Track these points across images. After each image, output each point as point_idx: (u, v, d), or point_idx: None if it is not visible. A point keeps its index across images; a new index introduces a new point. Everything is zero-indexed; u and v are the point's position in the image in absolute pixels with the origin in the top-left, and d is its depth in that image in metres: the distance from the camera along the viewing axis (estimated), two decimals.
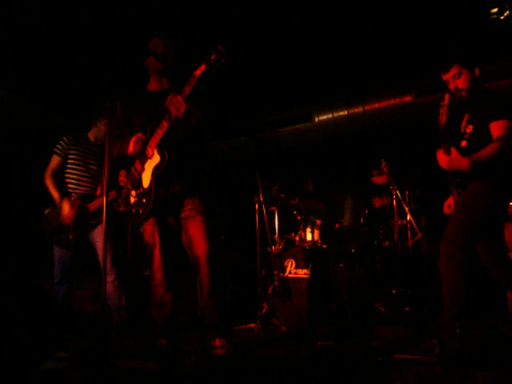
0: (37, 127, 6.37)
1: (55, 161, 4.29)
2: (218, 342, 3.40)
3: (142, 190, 3.42)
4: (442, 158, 3.31)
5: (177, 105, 3.19)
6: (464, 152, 3.29)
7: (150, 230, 3.56)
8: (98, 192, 4.23)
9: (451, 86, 3.47)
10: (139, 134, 3.43)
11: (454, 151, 3.26)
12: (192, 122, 3.33)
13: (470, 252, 3.23)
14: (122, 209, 3.55)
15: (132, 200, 3.48)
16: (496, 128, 3.23)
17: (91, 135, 4.41)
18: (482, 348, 2.81)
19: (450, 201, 3.55)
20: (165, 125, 3.29)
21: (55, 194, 4.22)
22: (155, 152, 3.36)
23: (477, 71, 3.45)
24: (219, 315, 3.47)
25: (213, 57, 3.12)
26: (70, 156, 4.28)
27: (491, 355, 2.80)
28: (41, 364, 2.95)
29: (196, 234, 3.47)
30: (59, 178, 4.30)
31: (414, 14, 5.07)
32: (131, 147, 3.44)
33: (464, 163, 3.20)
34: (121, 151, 3.55)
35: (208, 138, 3.71)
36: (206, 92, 3.35)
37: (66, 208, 4.11)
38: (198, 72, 3.19)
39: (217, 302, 3.48)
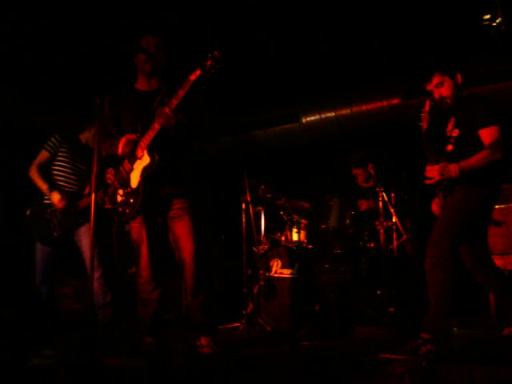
0: (20, 123, 6.32)
1: (43, 156, 4.27)
2: (203, 341, 3.40)
3: (129, 189, 3.42)
4: (431, 171, 3.34)
5: (166, 117, 3.22)
6: (450, 156, 3.33)
7: (137, 228, 3.56)
8: (87, 191, 4.22)
9: (436, 95, 3.51)
10: (129, 136, 3.42)
11: (440, 160, 3.30)
12: (181, 128, 3.35)
13: (456, 254, 3.27)
14: (108, 207, 3.54)
15: (119, 199, 3.48)
16: (486, 135, 3.27)
17: (83, 137, 4.39)
18: (476, 346, 2.86)
19: (437, 201, 3.58)
20: (156, 127, 3.30)
21: (43, 185, 4.18)
22: (145, 153, 3.36)
23: (459, 77, 3.49)
24: (204, 314, 3.48)
25: (209, 63, 3.13)
26: (60, 154, 4.26)
27: (485, 353, 2.85)
28: (27, 361, 2.94)
29: (183, 234, 3.48)
30: (44, 173, 4.27)
31: (402, 16, 5.11)
32: (120, 148, 3.44)
33: (451, 169, 3.24)
34: (109, 151, 3.55)
35: (198, 140, 3.72)
36: (198, 94, 3.36)
37: (56, 197, 4.09)
38: (193, 77, 3.20)
39: (201, 301, 3.48)
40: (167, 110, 3.22)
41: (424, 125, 3.47)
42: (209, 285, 3.62)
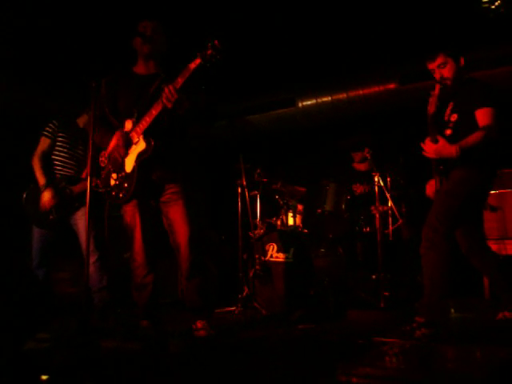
0: (17, 107, 6.27)
1: (45, 143, 4.25)
2: (199, 324, 3.42)
3: (124, 174, 3.41)
4: (429, 147, 3.33)
5: (168, 95, 3.18)
6: (449, 140, 3.32)
7: (130, 212, 3.55)
8: (84, 175, 4.21)
9: (436, 75, 3.49)
10: (121, 135, 3.41)
11: (440, 139, 3.28)
12: (180, 112, 3.32)
13: (451, 238, 3.28)
14: (101, 190, 3.53)
15: (112, 182, 3.47)
16: (481, 116, 3.27)
17: (80, 122, 4.37)
18: (472, 328, 2.87)
19: (433, 182, 3.59)
20: (153, 112, 3.29)
21: (41, 179, 4.17)
22: (141, 138, 3.34)
23: (462, 60, 3.48)
24: (199, 298, 3.49)
25: (209, 52, 3.14)
26: (58, 139, 4.25)
27: (480, 335, 2.87)
28: (23, 344, 2.95)
29: (177, 218, 3.47)
30: (47, 160, 4.25)
31: (398, 0, 5.08)
32: (112, 144, 3.44)
33: (452, 150, 3.22)
34: (101, 144, 3.52)
35: (196, 127, 3.72)
36: (195, 80, 3.34)
37: (47, 196, 4.09)
38: (193, 65, 3.20)
39: (197, 284, 3.49)
40: (171, 87, 3.18)
41: (431, 109, 3.45)
42: (204, 268, 3.63)
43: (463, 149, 3.20)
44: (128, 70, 3.64)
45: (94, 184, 3.52)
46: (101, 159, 3.56)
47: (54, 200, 4.09)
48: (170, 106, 3.21)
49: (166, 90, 3.18)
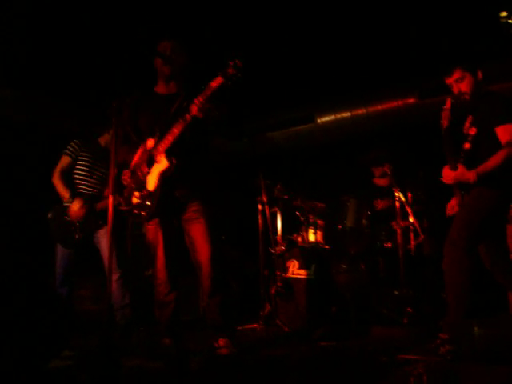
0: (40, 126, 6.38)
1: (65, 161, 4.31)
2: (221, 342, 3.42)
3: (146, 192, 3.44)
4: (448, 174, 3.33)
5: (199, 105, 3.23)
6: (467, 155, 3.31)
7: (153, 230, 3.58)
8: (106, 193, 4.25)
9: (455, 90, 3.47)
10: (147, 145, 3.45)
11: (460, 167, 3.27)
12: (209, 121, 3.36)
13: (473, 254, 3.24)
14: (123, 208, 3.56)
15: (135, 201, 3.50)
16: (502, 133, 3.23)
17: (102, 140, 4.44)
18: (498, 346, 2.83)
19: (453, 202, 3.57)
20: (175, 131, 3.32)
21: (65, 192, 4.23)
22: (163, 157, 3.37)
23: (480, 74, 3.46)
24: (221, 315, 3.49)
25: (230, 71, 3.20)
26: (80, 158, 4.31)
27: (506, 353, 2.82)
28: (47, 363, 2.97)
29: (199, 236, 3.49)
30: (67, 178, 4.31)
31: (417, 15, 5.08)
32: (137, 158, 3.48)
33: (469, 176, 3.22)
34: (127, 158, 3.57)
35: (225, 141, 3.75)
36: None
37: (77, 205, 4.13)
38: (215, 84, 3.24)
39: (218, 302, 3.50)
40: (201, 98, 3.24)
41: (445, 123, 3.44)
42: (226, 286, 3.63)
43: (480, 175, 3.19)
44: (149, 90, 3.69)
45: (116, 202, 3.55)
46: (123, 178, 3.60)
47: (84, 210, 4.14)
48: (201, 116, 3.25)
49: (196, 101, 3.23)
